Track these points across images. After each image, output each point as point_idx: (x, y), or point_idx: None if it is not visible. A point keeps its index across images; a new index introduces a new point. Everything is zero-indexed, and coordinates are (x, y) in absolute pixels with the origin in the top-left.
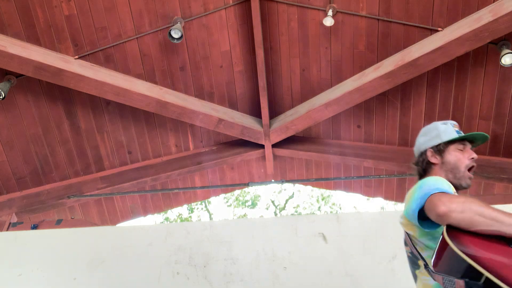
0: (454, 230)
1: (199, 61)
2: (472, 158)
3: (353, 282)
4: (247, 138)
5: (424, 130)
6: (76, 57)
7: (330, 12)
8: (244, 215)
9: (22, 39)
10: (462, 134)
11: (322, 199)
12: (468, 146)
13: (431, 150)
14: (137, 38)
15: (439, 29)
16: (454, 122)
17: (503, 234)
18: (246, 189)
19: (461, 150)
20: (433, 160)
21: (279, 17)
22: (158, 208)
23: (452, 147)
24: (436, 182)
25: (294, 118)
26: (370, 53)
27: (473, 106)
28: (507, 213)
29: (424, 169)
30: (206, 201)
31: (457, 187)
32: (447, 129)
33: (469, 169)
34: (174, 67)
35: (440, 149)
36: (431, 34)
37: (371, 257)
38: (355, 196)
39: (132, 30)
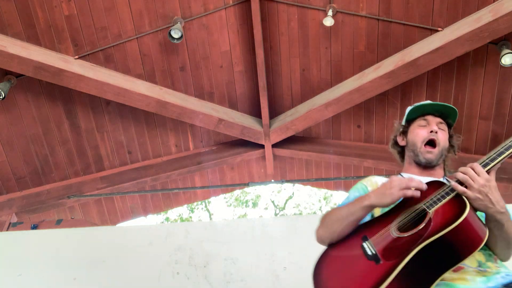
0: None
1: (199, 61)
2: (431, 131)
3: None
4: (247, 138)
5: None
6: (76, 57)
7: (330, 12)
8: (245, 214)
9: (22, 39)
10: (418, 104)
11: (324, 199)
12: (434, 120)
13: (398, 134)
14: (137, 38)
15: (439, 29)
16: (422, 102)
17: (356, 222)
18: (246, 189)
19: (424, 126)
20: (401, 143)
21: (279, 17)
22: (158, 208)
23: (414, 125)
24: (349, 193)
25: (294, 118)
26: (370, 53)
27: (473, 106)
28: (350, 203)
29: (399, 153)
30: (206, 201)
31: (422, 164)
32: (407, 111)
33: (429, 144)
34: (174, 67)
35: (404, 130)
36: (431, 34)
37: None
38: None
39: (132, 30)
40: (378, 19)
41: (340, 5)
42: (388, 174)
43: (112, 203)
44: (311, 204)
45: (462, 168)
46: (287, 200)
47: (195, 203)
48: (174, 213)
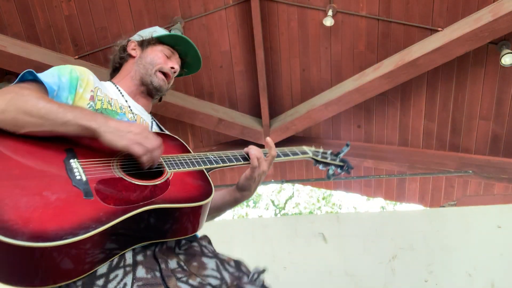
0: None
1: None
2: (173, 68)
3: (353, 282)
4: (247, 138)
5: (144, 30)
6: (76, 57)
7: (330, 12)
8: (246, 214)
9: (22, 39)
10: (176, 34)
11: (323, 199)
12: (177, 59)
13: (136, 42)
14: None
15: (439, 29)
16: (178, 33)
17: (60, 135)
18: None
19: (167, 56)
20: (132, 52)
21: (279, 17)
22: None
23: (158, 48)
24: (48, 70)
25: (294, 118)
26: (370, 53)
27: (473, 106)
28: (68, 105)
29: (120, 58)
30: None
31: (149, 88)
32: (159, 30)
33: (164, 75)
34: None
35: (144, 43)
36: (431, 34)
37: (371, 257)
38: (355, 196)
39: (132, 30)
40: (378, 19)
41: (340, 5)
42: (388, 174)
43: None
44: (311, 204)
45: (254, 148)
46: (287, 200)
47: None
48: None
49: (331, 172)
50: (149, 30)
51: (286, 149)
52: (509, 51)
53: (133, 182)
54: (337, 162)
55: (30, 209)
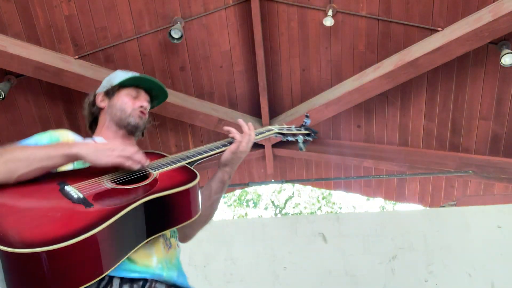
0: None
1: (199, 61)
2: (141, 106)
3: (353, 282)
4: None
5: (106, 78)
6: (76, 57)
7: (330, 12)
8: (246, 214)
9: (22, 39)
10: (137, 75)
11: (323, 198)
12: (144, 96)
13: (102, 93)
14: (137, 38)
15: (439, 29)
16: (137, 74)
17: (49, 169)
18: (246, 189)
19: (134, 97)
20: (101, 104)
21: (279, 17)
22: None
23: (123, 92)
24: (33, 136)
25: (294, 118)
26: (370, 53)
27: (473, 106)
28: (47, 145)
29: (92, 113)
30: None
31: (129, 128)
32: (122, 75)
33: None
34: (174, 67)
35: (109, 92)
36: (431, 34)
37: (371, 257)
38: (355, 196)
39: (132, 30)
40: (378, 19)
41: (340, 5)
42: (388, 174)
43: None
44: (311, 204)
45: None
46: (287, 200)
47: None
48: None
49: (300, 141)
50: (111, 76)
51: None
52: (509, 51)
53: (125, 187)
54: (302, 131)
55: (42, 225)
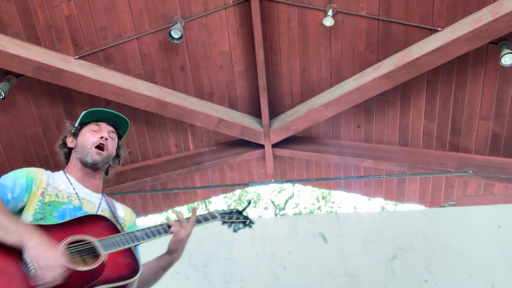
0: None
1: (199, 61)
2: (102, 137)
3: (353, 282)
4: (247, 138)
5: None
6: (76, 57)
7: (330, 12)
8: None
9: (22, 39)
10: (92, 110)
11: (323, 198)
12: (106, 127)
13: (70, 135)
14: (137, 38)
15: (439, 29)
16: (103, 109)
17: (8, 244)
18: (246, 189)
19: (95, 131)
20: (70, 144)
21: (279, 17)
22: (158, 208)
23: (86, 129)
24: (3, 176)
25: (294, 118)
26: (370, 53)
27: (473, 106)
28: (13, 218)
29: (65, 153)
30: (207, 201)
31: (89, 166)
32: (81, 115)
33: (98, 148)
34: (174, 67)
35: (75, 132)
36: (431, 34)
37: (371, 257)
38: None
39: (132, 30)
40: (378, 19)
41: (340, 5)
42: (388, 174)
43: None
44: (311, 204)
45: (174, 223)
46: (287, 200)
47: (195, 203)
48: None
49: (236, 228)
50: (79, 118)
51: (200, 216)
52: (509, 51)
53: (76, 269)
54: (240, 220)
55: None
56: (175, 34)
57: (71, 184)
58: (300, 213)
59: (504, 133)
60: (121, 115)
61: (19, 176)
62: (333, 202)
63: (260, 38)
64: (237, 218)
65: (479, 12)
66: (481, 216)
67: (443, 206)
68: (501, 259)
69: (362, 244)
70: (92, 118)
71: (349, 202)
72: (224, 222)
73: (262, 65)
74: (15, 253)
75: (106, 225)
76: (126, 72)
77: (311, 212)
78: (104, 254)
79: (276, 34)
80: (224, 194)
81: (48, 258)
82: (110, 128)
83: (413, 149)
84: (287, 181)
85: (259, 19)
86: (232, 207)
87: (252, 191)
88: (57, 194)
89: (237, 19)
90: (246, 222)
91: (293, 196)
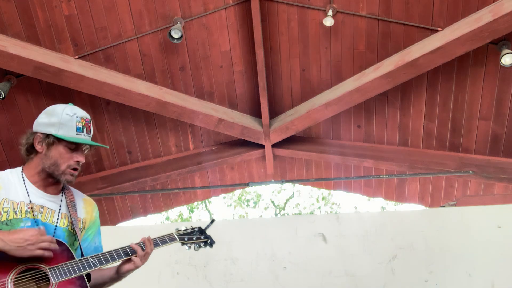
0: None
1: (199, 61)
2: (78, 161)
3: (353, 282)
4: (247, 138)
5: (50, 110)
6: (76, 57)
7: (330, 12)
8: (246, 214)
9: (22, 39)
10: (81, 137)
11: (322, 199)
12: (83, 148)
13: (41, 136)
14: (137, 38)
15: (439, 29)
16: (84, 115)
17: None
18: (246, 189)
19: (72, 149)
20: (38, 147)
21: (279, 17)
22: (158, 208)
23: (63, 143)
24: None
25: (294, 118)
26: (370, 53)
27: (473, 106)
28: None
29: (28, 150)
30: (207, 201)
31: (60, 181)
32: (68, 123)
33: (74, 169)
34: (174, 67)
35: (50, 141)
36: (431, 34)
37: (371, 257)
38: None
39: (132, 30)
40: (378, 19)
41: (340, 5)
42: (388, 174)
43: (112, 203)
44: (311, 204)
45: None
46: (287, 200)
47: (195, 203)
48: (174, 213)
49: (196, 248)
50: (54, 118)
51: (158, 239)
52: (509, 51)
53: None
54: (201, 240)
55: None
56: (175, 34)
57: (27, 192)
58: (300, 213)
59: (504, 133)
60: (102, 145)
61: None
62: (333, 203)
63: (260, 38)
64: (197, 238)
65: (479, 12)
66: (481, 216)
67: (443, 206)
68: (501, 259)
69: (362, 244)
70: (73, 140)
71: (349, 202)
72: (183, 243)
73: (262, 65)
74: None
75: (61, 250)
76: (126, 72)
77: (311, 213)
78: (54, 283)
79: (276, 34)
80: (224, 194)
81: (30, 234)
82: (85, 147)
83: (413, 149)
84: (287, 181)
85: (259, 19)
86: (194, 226)
87: (252, 191)
88: (14, 209)
89: (237, 19)
90: (208, 241)
91: (293, 196)
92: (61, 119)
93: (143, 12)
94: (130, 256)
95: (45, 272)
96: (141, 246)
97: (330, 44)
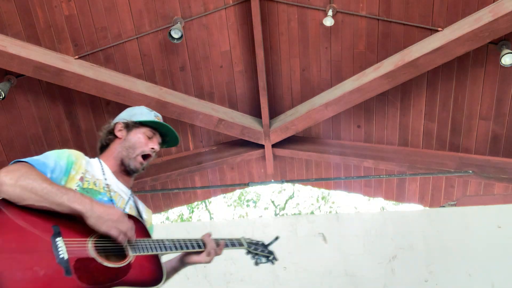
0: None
1: (199, 61)
2: (153, 148)
3: (353, 282)
4: (247, 138)
5: (129, 109)
6: (76, 57)
7: (330, 12)
8: (246, 214)
9: (22, 39)
10: (158, 121)
11: (322, 199)
12: (158, 139)
13: (122, 124)
14: (137, 38)
15: (439, 29)
16: (159, 115)
17: (53, 210)
18: (246, 189)
19: (149, 137)
20: (118, 133)
21: (279, 17)
22: (158, 208)
23: (141, 130)
24: (46, 154)
25: (294, 118)
26: (370, 53)
27: (473, 106)
28: (64, 189)
29: (108, 138)
30: (207, 201)
31: (127, 170)
32: (147, 114)
33: (145, 157)
34: (174, 67)
35: (129, 125)
36: (431, 34)
37: (371, 257)
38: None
39: (132, 30)
40: (378, 19)
41: (340, 5)
42: (388, 174)
43: None
44: (311, 204)
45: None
46: (287, 200)
47: (195, 203)
48: (174, 213)
49: (259, 261)
50: (135, 110)
51: (227, 241)
52: (509, 51)
53: (103, 264)
54: (265, 254)
55: (23, 282)
56: (175, 34)
57: (104, 174)
58: (300, 213)
59: (504, 133)
60: (178, 137)
61: (60, 158)
62: (333, 202)
63: (260, 38)
64: (262, 251)
65: (479, 12)
66: (481, 216)
67: (443, 206)
68: (501, 259)
69: (362, 244)
70: (152, 124)
71: (349, 202)
72: (249, 252)
73: (262, 65)
74: (47, 235)
75: (138, 227)
76: (126, 72)
77: (311, 213)
78: (131, 256)
79: (276, 34)
80: (224, 194)
81: (115, 212)
82: (160, 140)
83: (413, 149)
84: (287, 181)
85: (259, 19)
86: (258, 239)
87: (252, 191)
88: (95, 182)
89: (237, 19)
90: (270, 257)
91: (293, 196)
92: (142, 111)
93: (143, 12)
94: (203, 250)
95: (122, 245)
96: (217, 243)
97: (330, 44)
